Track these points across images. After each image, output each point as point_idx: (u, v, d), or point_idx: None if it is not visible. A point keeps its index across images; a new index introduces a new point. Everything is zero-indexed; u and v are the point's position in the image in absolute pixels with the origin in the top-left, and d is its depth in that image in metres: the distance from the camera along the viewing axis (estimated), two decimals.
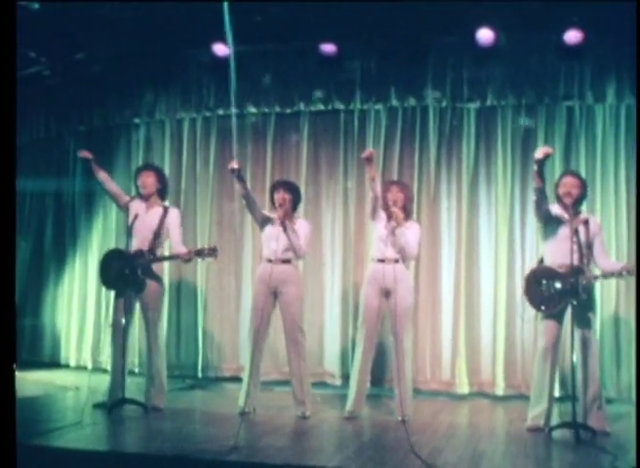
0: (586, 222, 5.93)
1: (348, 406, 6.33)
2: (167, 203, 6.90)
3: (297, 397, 6.39)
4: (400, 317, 6.16)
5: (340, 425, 6.10)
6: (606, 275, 5.92)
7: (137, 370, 8.31)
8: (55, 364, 9.11)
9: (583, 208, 6.32)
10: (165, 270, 7.43)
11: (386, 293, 6.23)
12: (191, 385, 7.88)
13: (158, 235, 6.55)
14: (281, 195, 6.41)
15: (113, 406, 6.27)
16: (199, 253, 6.32)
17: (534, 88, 7.48)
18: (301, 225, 6.49)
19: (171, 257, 6.61)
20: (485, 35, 7.30)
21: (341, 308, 7.96)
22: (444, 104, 7.74)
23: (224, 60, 7.78)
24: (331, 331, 7.98)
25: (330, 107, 7.99)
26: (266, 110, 8.20)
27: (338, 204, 8.06)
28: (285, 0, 7.24)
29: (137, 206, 6.64)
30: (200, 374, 8.24)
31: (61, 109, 9.16)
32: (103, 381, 6.94)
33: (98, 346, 8.78)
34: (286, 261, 6.39)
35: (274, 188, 6.52)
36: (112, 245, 8.35)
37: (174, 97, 8.45)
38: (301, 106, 8.06)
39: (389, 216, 6.20)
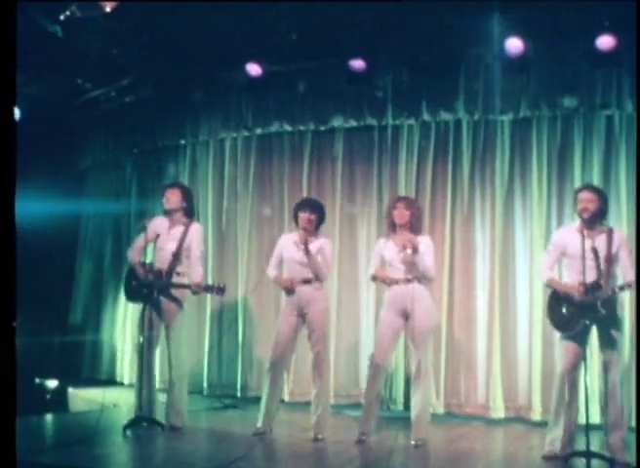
0: (609, 235, 5.64)
1: (359, 428, 6.18)
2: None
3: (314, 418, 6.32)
4: (418, 339, 6.02)
5: (345, 449, 5.96)
6: (623, 287, 5.52)
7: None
8: (111, 381, 9.31)
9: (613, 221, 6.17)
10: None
11: (405, 316, 6.07)
12: (226, 405, 7.88)
13: (178, 255, 6.57)
14: (307, 215, 6.33)
15: (129, 425, 6.35)
16: (207, 289, 6.44)
17: (569, 98, 7.12)
18: (325, 245, 6.39)
19: (182, 286, 6.54)
20: (514, 45, 7.02)
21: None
22: (476, 117, 7.49)
23: (258, 80, 7.87)
24: (366, 350, 7.79)
25: (362, 124, 7.89)
26: (302, 128, 8.18)
27: (372, 221, 7.93)
28: (312, 18, 7.27)
29: (160, 224, 6.70)
30: (239, 394, 8.27)
31: (118, 134, 9.46)
32: None
33: None
34: (307, 282, 6.31)
35: (299, 208, 6.44)
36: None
37: (215, 117, 8.56)
38: (335, 123, 7.99)
39: (399, 241, 6.02)
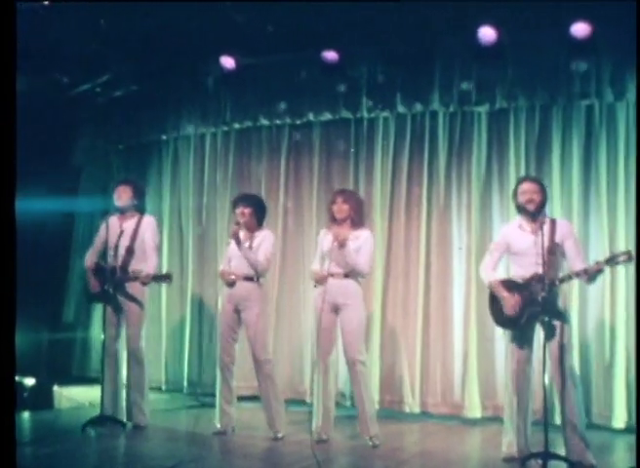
0: (553, 226, 5.44)
1: (318, 427, 6.03)
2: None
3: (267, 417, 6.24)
4: (347, 336, 5.89)
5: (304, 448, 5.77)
6: (564, 279, 5.30)
7: (163, 388, 8.46)
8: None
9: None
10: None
11: (336, 310, 5.95)
12: (203, 404, 7.76)
13: (131, 249, 6.51)
14: (240, 210, 6.26)
15: (89, 423, 6.28)
16: (155, 279, 6.33)
17: (546, 88, 6.87)
18: (265, 238, 6.30)
19: (132, 279, 6.42)
20: (487, 34, 6.81)
21: None
22: (452, 109, 7.28)
23: (234, 73, 7.75)
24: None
25: (338, 117, 7.71)
26: (278, 122, 8.04)
27: None
28: (286, 9, 7.10)
29: (112, 222, 6.62)
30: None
31: (104, 130, 9.37)
32: None
33: None
34: (248, 279, 6.23)
35: (233, 203, 6.41)
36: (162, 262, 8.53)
37: (194, 112, 8.44)
38: (311, 117, 7.82)
39: (334, 235, 5.87)
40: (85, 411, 7.00)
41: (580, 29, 6.53)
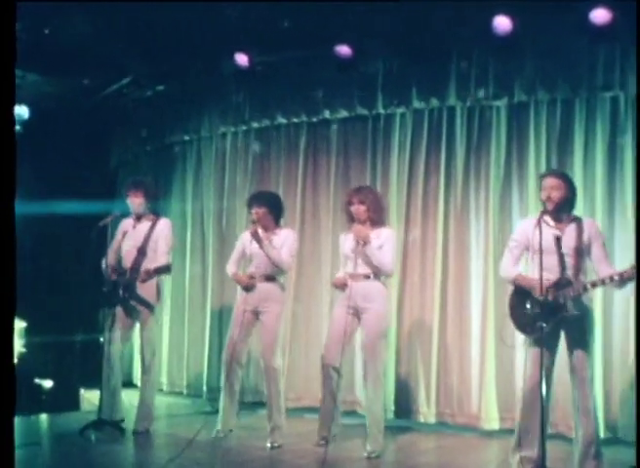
0: (579, 226, 5.08)
1: (318, 433, 5.84)
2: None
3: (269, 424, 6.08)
4: (367, 341, 5.66)
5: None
6: (596, 283, 4.95)
7: (185, 392, 8.41)
8: (129, 383, 9.19)
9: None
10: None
11: (357, 314, 5.69)
12: (217, 409, 7.57)
13: (143, 250, 6.40)
14: (255, 209, 6.10)
15: (87, 427, 6.18)
16: (156, 271, 6.17)
17: (567, 79, 6.44)
18: (287, 237, 6.14)
19: (137, 278, 6.29)
20: (502, 23, 6.43)
21: None
22: (469, 103, 6.91)
23: (250, 71, 7.60)
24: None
25: (354, 114, 7.44)
26: (295, 120, 7.80)
27: None
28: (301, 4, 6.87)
29: (127, 224, 6.57)
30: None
31: (133, 131, 9.35)
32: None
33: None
34: (269, 279, 6.10)
35: (247, 203, 6.25)
36: (185, 265, 8.45)
37: (215, 112, 8.31)
38: (327, 115, 7.56)
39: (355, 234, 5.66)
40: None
41: (599, 16, 6.10)
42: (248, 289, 6.08)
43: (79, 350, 9.38)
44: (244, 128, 8.16)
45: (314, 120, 7.71)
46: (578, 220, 5.12)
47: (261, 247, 5.92)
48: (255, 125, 8.05)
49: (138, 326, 6.54)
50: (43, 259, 8.58)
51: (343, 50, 7.08)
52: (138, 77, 8.46)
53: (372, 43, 7.10)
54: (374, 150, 7.46)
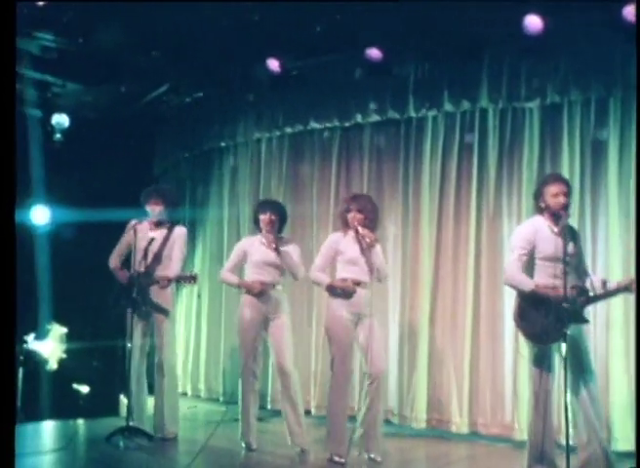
0: (571, 230, 5.08)
1: (331, 449, 5.65)
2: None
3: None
4: (377, 348, 5.56)
5: None
6: (611, 291, 4.91)
7: (221, 399, 8.39)
8: None
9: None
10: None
11: (357, 321, 5.59)
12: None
13: (158, 258, 6.41)
14: (267, 216, 6.04)
15: (114, 434, 6.21)
16: (179, 280, 6.21)
17: (601, 78, 6.24)
18: (293, 250, 6.09)
19: (154, 283, 6.33)
20: (533, 23, 6.25)
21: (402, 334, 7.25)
22: (501, 106, 6.76)
23: (283, 76, 7.54)
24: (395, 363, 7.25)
25: (385, 118, 7.34)
26: (328, 125, 7.75)
27: (399, 219, 7.38)
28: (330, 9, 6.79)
29: (142, 227, 6.55)
30: (269, 406, 7.96)
31: (174, 139, 9.39)
32: None
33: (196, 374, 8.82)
34: (278, 287, 6.12)
35: (259, 209, 6.16)
36: (210, 273, 8.46)
37: (251, 118, 8.30)
38: (359, 119, 7.47)
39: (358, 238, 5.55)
40: None
41: (632, 12, 5.88)
42: (260, 295, 6.02)
43: (120, 355, 9.47)
44: (278, 133, 8.14)
45: (346, 125, 7.64)
46: (569, 227, 5.07)
47: (280, 256, 5.92)
48: (288, 130, 8.02)
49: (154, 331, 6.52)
50: (84, 266, 8.61)
51: (374, 53, 6.97)
52: (175, 85, 8.45)
53: (403, 46, 6.99)
54: (406, 154, 7.36)
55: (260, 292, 6.02)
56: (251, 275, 6.13)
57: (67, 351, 8.53)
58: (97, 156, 9.07)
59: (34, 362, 8.26)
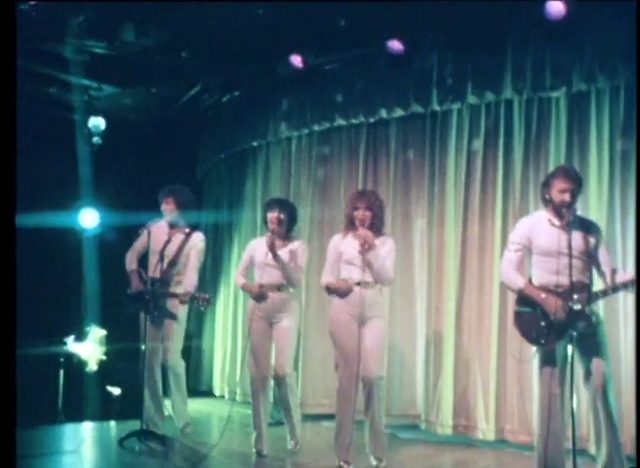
0: (582, 224, 4.81)
1: (339, 456, 5.44)
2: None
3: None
4: (373, 352, 5.31)
5: None
6: (613, 289, 4.67)
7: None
8: (209, 393, 9.23)
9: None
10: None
11: (358, 322, 5.35)
12: (277, 422, 7.29)
13: (174, 263, 6.34)
14: (275, 215, 5.88)
15: (127, 437, 6.17)
16: (193, 299, 6.09)
17: (628, 64, 5.83)
18: (299, 249, 5.94)
19: (171, 295, 6.28)
20: (555, 7, 5.93)
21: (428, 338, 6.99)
22: (525, 96, 6.43)
23: (307, 73, 7.39)
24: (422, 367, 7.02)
25: (409, 112, 7.09)
26: (354, 121, 7.53)
27: (425, 215, 7.17)
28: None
29: (160, 229, 6.44)
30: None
31: (212, 139, 9.34)
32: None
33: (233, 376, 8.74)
34: (281, 289, 5.92)
35: (267, 207, 6.02)
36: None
37: (280, 116, 8.16)
38: (383, 113, 7.25)
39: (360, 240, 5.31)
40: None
41: None
42: (259, 298, 5.89)
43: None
44: (306, 131, 7.98)
45: (371, 120, 7.43)
46: (581, 219, 4.87)
47: (277, 261, 5.74)
48: (316, 128, 7.85)
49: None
50: (125, 269, 8.67)
51: (395, 45, 6.75)
52: (206, 85, 8.39)
53: (425, 37, 6.77)
54: (431, 150, 7.11)
55: (260, 296, 5.88)
56: (256, 277, 6.03)
57: (107, 353, 8.54)
58: (138, 158, 9.10)
59: (73, 363, 8.29)
